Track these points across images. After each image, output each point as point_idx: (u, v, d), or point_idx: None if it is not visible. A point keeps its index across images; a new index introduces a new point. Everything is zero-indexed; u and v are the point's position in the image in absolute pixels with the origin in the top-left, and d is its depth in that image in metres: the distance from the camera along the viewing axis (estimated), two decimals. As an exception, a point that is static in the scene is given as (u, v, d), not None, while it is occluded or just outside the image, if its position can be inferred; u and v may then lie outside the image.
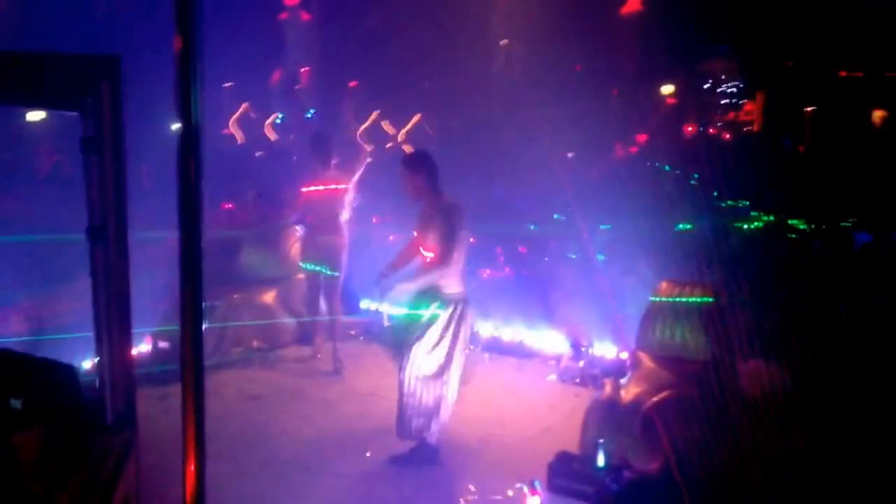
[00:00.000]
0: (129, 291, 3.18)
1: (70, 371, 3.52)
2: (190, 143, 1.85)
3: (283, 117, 13.37)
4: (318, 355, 8.70)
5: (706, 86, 13.58)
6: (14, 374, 3.44)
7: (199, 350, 1.89)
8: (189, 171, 1.85)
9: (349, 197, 8.41)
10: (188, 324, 1.87)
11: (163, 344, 8.08)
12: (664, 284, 6.57)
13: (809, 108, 12.36)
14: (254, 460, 6.07)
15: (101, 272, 3.15)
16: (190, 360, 1.88)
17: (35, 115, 10.59)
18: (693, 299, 6.33)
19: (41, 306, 7.46)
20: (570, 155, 11.72)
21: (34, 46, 3.18)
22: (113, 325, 3.20)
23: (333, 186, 8.35)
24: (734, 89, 13.50)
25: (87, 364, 6.26)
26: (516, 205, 11.39)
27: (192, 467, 1.92)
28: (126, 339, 3.28)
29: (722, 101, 13.50)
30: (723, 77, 13.59)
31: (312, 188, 8.42)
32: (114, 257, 3.11)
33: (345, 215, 8.40)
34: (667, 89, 13.62)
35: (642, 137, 12.44)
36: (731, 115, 13.27)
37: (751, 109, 13.23)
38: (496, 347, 9.04)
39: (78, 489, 3.21)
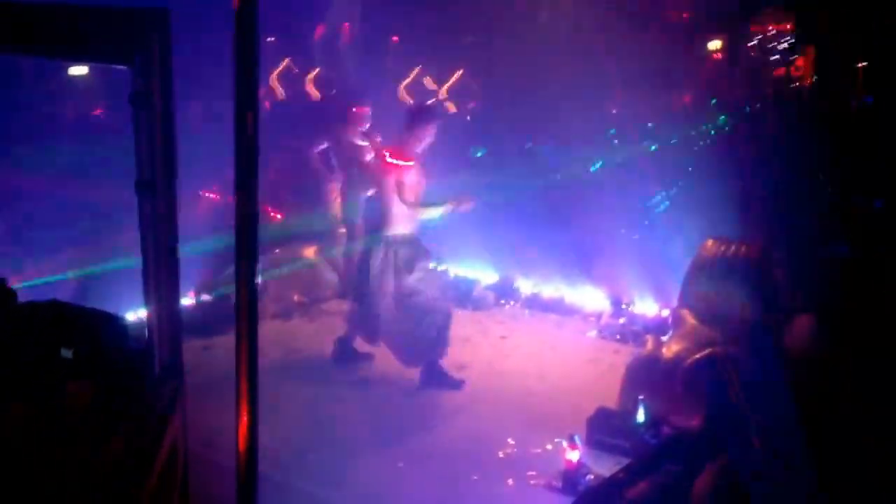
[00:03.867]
0: (177, 244, 3.21)
1: (119, 322, 3.59)
2: (247, 97, 1.86)
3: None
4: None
5: (754, 42, 13.30)
6: (65, 325, 3.51)
7: (254, 303, 1.91)
8: (246, 125, 1.86)
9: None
10: (243, 277, 1.89)
11: (205, 297, 8.19)
12: (709, 242, 6.50)
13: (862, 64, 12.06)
14: (292, 411, 6.14)
15: (149, 225, 3.18)
16: (244, 312, 1.90)
17: (79, 70, 10.65)
18: (738, 256, 6.26)
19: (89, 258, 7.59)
20: (614, 111, 11.58)
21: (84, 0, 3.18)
22: (161, 277, 3.23)
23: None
24: (785, 44, 13.20)
25: (135, 315, 6.38)
26: (558, 160, 11.29)
27: (244, 419, 1.95)
28: (174, 292, 3.32)
29: (772, 57, 13.21)
30: (772, 32, 13.30)
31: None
32: (162, 210, 3.14)
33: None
34: (714, 44, 13.36)
35: (688, 96, 12.25)
36: (782, 70, 12.99)
37: (801, 65, 12.94)
38: (536, 304, 9.03)
39: (127, 436, 3.28)
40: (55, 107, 10.62)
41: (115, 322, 3.58)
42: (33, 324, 3.55)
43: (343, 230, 9.20)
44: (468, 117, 12.68)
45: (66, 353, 3.39)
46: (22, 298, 3.78)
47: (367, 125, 8.71)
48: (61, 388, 3.27)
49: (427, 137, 6.82)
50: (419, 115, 6.96)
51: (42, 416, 3.21)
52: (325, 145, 9.16)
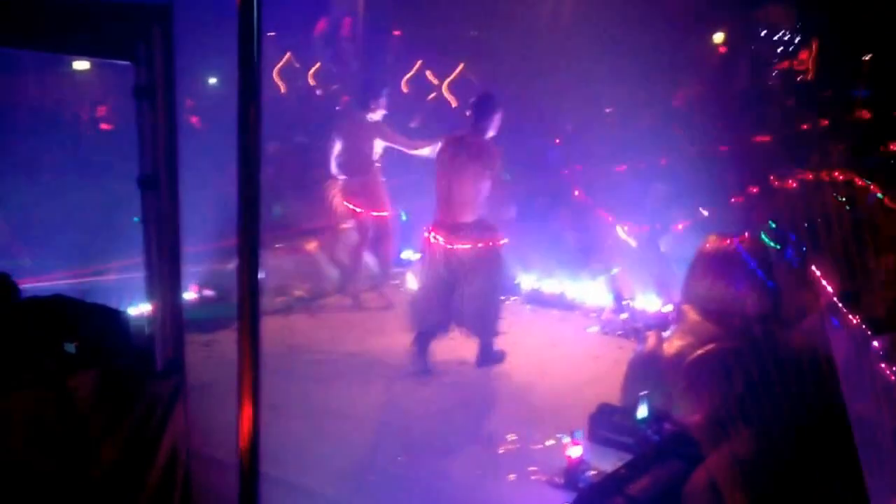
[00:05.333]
0: (180, 239, 3.22)
1: (121, 317, 3.60)
2: (250, 90, 1.86)
3: None
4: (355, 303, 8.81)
5: (760, 34, 13.29)
6: (68, 320, 3.51)
7: (256, 297, 1.91)
8: (249, 117, 1.86)
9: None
10: (245, 270, 1.89)
11: (208, 292, 8.18)
12: (711, 237, 6.49)
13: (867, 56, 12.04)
14: (293, 407, 6.11)
15: (152, 220, 3.18)
16: (247, 308, 1.90)
17: (82, 65, 10.66)
18: (739, 252, 6.25)
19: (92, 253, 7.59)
20: (608, 111, 11.57)
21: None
22: (164, 272, 3.24)
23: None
24: (788, 37, 13.19)
25: (138, 310, 6.38)
26: (559, 156, 11.28)
27: (247, 415, 1.95)
28: (176, 287, 3.33)
29: (777, 50, 13.20)
30: (776, 25, 13.29)
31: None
32: (165, 205, 3.15)
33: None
34: (718, 37, 13.35)
35: (691, 89, 12.21)
36: (785, 63, 12.98)
37: (805, 58, 12.94)
38: (538, 299, 9.03)
39: (129, 432, 3.29)
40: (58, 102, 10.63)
41: (117, 317, 3.59)
42: (36, 318, 3.55)
43: (345, 225, 9.17)
44: (468, 112, 12.65)
45: (70, 347, 3.39)
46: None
47: (384, 113, 8.72)
48: (64, 382, 3.28)
49: (495, 125, 7.05)
50: (486, 104, 7.11)
51: (45, 411, 3.21)
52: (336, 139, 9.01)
